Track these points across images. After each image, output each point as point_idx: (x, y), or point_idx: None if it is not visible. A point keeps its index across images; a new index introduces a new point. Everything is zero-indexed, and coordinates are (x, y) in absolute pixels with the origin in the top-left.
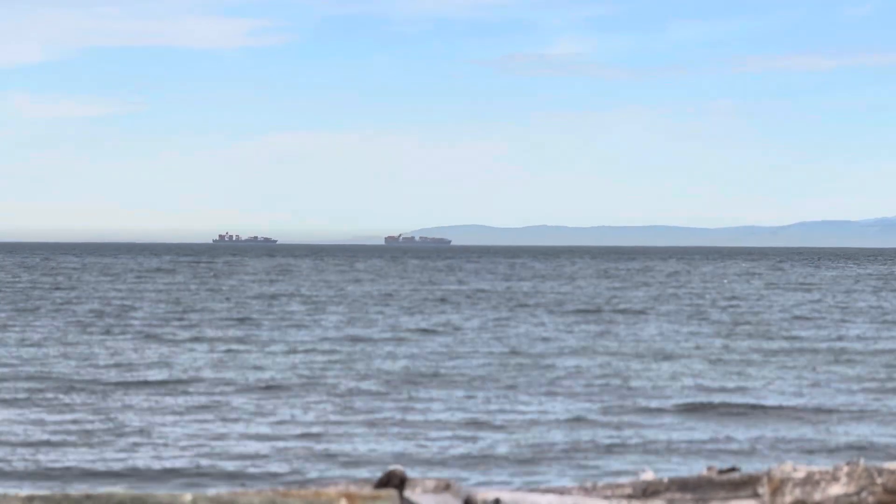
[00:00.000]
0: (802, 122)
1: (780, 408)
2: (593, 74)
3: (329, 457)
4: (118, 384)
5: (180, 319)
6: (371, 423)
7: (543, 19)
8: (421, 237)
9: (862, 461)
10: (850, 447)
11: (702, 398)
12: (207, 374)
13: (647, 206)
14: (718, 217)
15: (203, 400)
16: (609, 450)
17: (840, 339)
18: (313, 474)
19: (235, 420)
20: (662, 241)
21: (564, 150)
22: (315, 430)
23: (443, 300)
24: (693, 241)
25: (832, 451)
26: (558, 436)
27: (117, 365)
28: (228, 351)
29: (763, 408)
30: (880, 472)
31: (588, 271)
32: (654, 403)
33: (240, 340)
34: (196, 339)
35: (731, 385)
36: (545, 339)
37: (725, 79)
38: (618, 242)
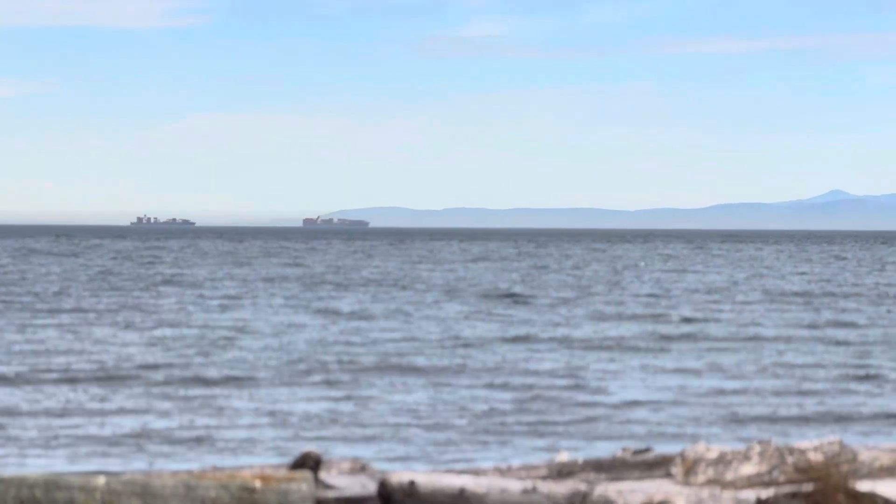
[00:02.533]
0: (720, 104)
1: (689, 389)
2: (511, 56)
3: (251, 440)
4: None
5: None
6: (304, 404)
7: (461, 1)
8: (339, 219)
9: (773, 441)
10: (758, 419)
11: (619, 381)
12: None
13: (566, 187)
14: (637, 199)
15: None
16: (528, 431)
17: (752, 323)
18: (235, 459)
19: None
20: (581, 224)
21: (483, 131)
22: (232, 415)
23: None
24: (612, 223)
25: (743, 426)
26: (478, 417)
27: None
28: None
29: (675, 388)
30: (791, 451)
31: (507, 252)
32: (564, 383)
33: (172, 325)
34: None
35: (637, 365)
36: (457, 322)
37: (643, 61)
38: (537, 224)
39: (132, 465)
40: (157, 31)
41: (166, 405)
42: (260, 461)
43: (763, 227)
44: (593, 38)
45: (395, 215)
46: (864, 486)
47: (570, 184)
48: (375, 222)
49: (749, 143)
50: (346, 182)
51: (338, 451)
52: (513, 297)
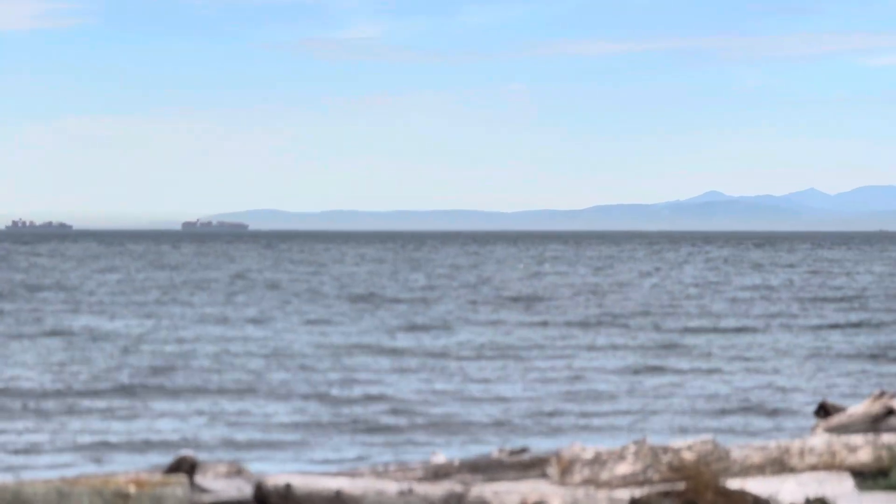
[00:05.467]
0: (596, 106)
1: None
2: (387, 58)
3: (130, 444)
4: None
5: None
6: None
7: (337, 3)
8: (219, 222)
9: (647, 440)
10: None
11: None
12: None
13: (443, 190)
14: (515, 201)
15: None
16: (404, 432)
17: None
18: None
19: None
20: (459, 226)
21: (360, 134)
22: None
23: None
24: (490, 225)
25: (617, 430)
26: (357, 417)
27: None
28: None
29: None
30: (665, 450)
31: (385, 256)
32: (439, 386)
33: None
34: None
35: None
36: (324, 325)
37: (518, 63)
38: (415, 227)
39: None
40: (29, 33)
41: (30, 415)
42: (135, 466)
43: (642, 228)
44: (467, 40)
45: (275, 218)
46: (734, 483)
47: (447, 186)
48: (255, 225)
49: (625, 144)
50: (226, 185)
51: (216, 456)
52: (372, 300)
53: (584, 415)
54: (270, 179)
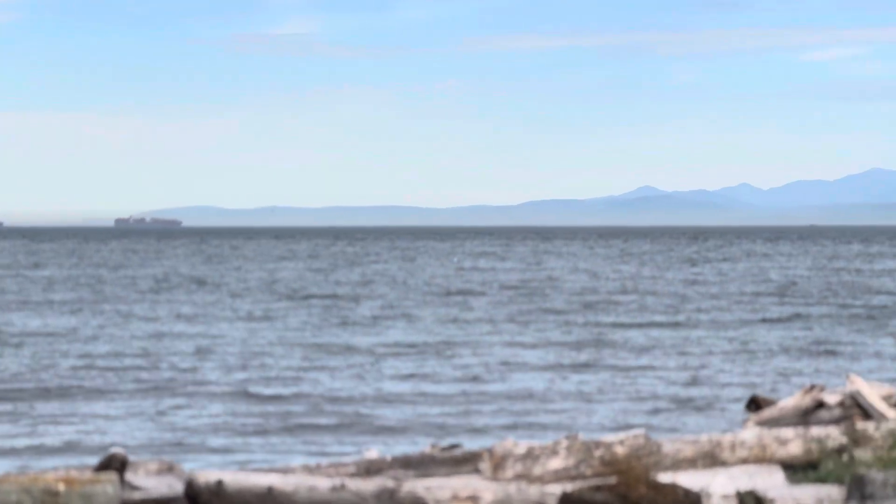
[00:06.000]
0: (529, 102)
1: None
2: (322, 54)
3: (56, 446)
4: None
5: None
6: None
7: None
8: (152, 219)
9: (580, 435)
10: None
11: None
12: None
13: (379, 185)
14: (449, 196)
15: None
16: (336, 429)
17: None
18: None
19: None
20: (393, 221)
21: (295, 130)
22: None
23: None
24: (424, 220)
25: (549, 429)
26: (285, 415)
27: None
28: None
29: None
30: (598, 445)
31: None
32: (368, 384)
33: None
34: None
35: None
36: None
37: (453, 58)
38: (350, 222)
39: None
40: None
41: None
42: (65, 464)
43: (576, 224)
44: (404, 35)
45: (209, 214)
46: (666, 477)
47: (383, 182)
48: (188, 221)
49: (560, 140)
50: (159, 181)
51: (145, 456)
52: (302, 297)
53: (515, 412)
54: (205, 176)
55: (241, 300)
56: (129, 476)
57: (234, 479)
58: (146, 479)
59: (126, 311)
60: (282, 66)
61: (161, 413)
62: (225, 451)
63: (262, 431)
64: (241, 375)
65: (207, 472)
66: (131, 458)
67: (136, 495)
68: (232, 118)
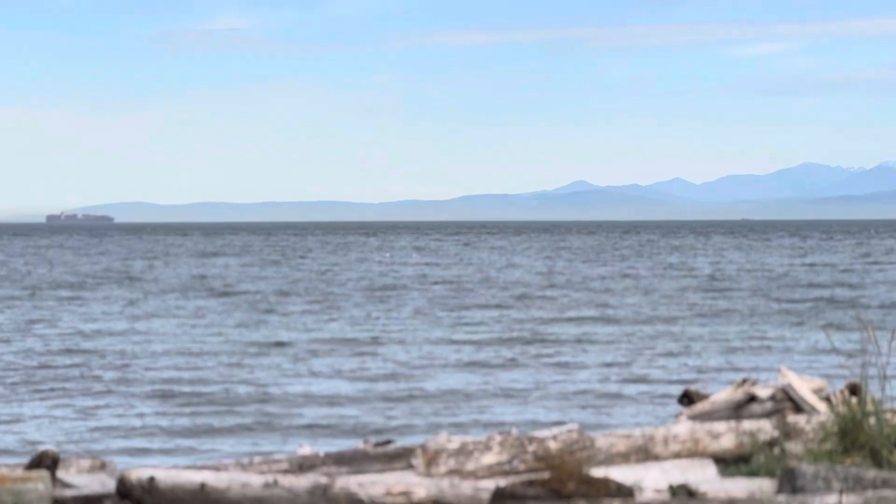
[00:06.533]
0: (463, 96)
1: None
2: (254, 49)
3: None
4: None
5: None
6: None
7: None
8: (84, 215)
9: (514, 430)
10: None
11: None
12: None
13: (311, 181)
14: (382, 191)
15: None
16: (265, 427)
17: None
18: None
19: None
20: (326, 216)
21: (227, 126)
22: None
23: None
24: (357, 215)
25: (488, 427)
26: (217, 413)
27: None
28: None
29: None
30: (531, 440)
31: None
32: (299, 386)
33: None
34: None
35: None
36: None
37: (385, 53)
38: (282, 218)
39: None
40: None
41: None
42: None
43: (509, 219)
44: (335, 30)
45: (141, 210)
46: (599, 471)
47: (315, 177)
48: (120, 218)
49: (493, 135)
50: (90, 178)
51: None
52: (229, 293)
53: (446, 409)
54: (137, 172)
55: (171, 296)
56: (61, 473)
57: (167, 475)
58: (78, 477)
59: (53, 307)
60: (213, 61)
61: (87, 412)
62: (158, 451)
63: (189, 429)
64: (168, 374)
65: (140, 469)
66: (63, 455)
67: (68, 493)
68: (164, 114)
